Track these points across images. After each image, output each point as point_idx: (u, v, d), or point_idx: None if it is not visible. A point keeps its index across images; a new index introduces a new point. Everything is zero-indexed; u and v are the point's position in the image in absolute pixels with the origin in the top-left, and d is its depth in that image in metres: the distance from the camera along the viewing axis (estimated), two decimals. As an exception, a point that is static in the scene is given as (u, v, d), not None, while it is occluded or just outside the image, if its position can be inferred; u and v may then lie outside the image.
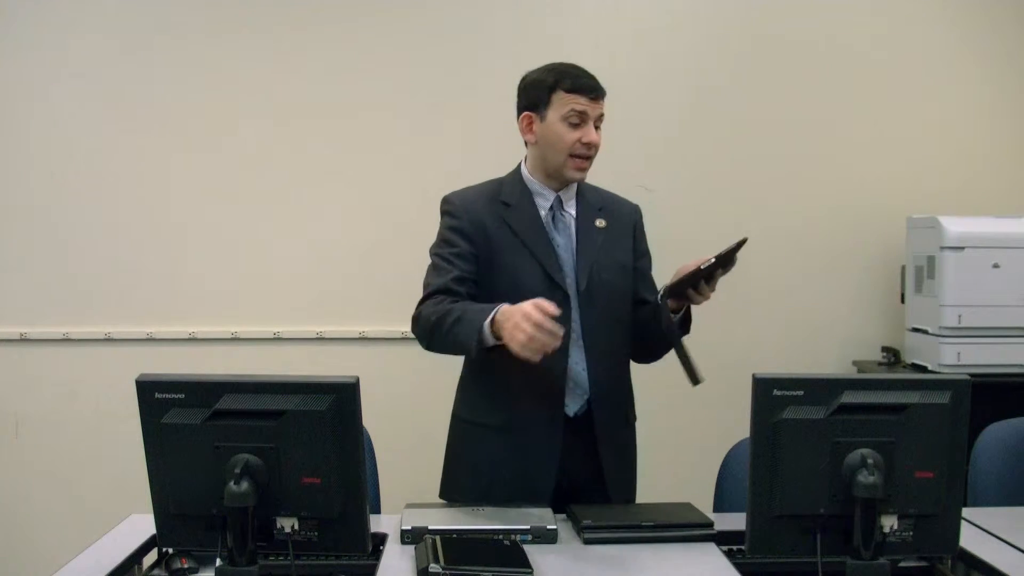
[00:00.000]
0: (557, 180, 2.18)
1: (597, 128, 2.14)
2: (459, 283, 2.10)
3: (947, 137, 3.79)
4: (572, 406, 2.14)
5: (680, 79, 3.71)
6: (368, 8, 3.61)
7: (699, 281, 2.02)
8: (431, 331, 2.04)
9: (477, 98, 3.59)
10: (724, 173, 3.73)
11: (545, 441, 2.12)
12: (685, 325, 2.17)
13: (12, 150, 3.57)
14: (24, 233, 3.57)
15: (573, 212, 2.20)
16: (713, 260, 1.99)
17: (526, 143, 2.21)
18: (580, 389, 2.14)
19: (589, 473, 2.16)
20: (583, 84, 2.11)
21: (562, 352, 2.04)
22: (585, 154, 2.13)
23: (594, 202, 2.24)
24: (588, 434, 2.15)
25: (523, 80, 2.20)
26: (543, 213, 2.18)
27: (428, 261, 2.18)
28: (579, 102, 2.10)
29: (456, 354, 2.11)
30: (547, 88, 2.13)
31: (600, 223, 2.20)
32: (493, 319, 1.91)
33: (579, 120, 2.11)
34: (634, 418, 2.29)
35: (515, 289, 2.06)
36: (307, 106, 3.60)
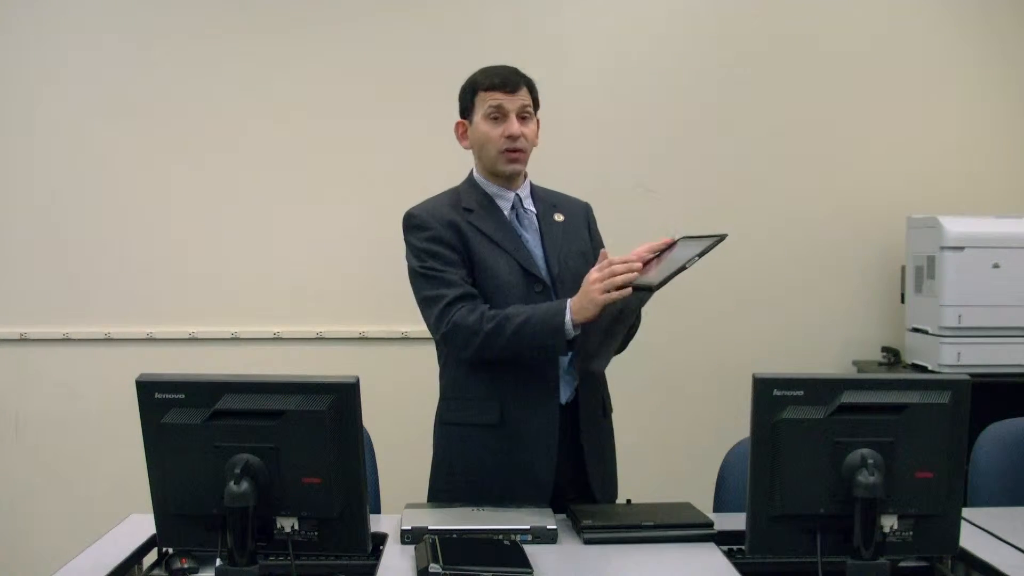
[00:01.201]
0: (502, 179, 2.22)
1: (525, 119, 2.18)
2: (471, 286, 2.14)
3: (947, 137, 3.79)
4: (563, 394, 2.16)
5: (681, 79, 3.71)
6: (369, 8, 3.61)
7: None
8: (488, 338, 2.05)
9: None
10: (724, 173, 3.72)
11: (542, 431, 2.13)
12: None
13: (12, 150, 3.57)
14: (24, 233, 3.57)
15: (533, 208, 2.26)
16: (697, 259, 1.92)
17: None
18: (569, 375, 2.16)
19: (572, 461, 2.17)
20: (497, 80, 2.18)
21: None
22: (512, 147, 2.17)
23: (547, 200, 2.31)
24: (573, 421, 2.17)
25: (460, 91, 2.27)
26: (506, 212, 2.23)
27: None
28: (495, 97, 2.17)
29: (518, 358, 2.09)
30: (470, 92, 2.22)
31: (558, 217, 2.27)
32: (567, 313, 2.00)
33: (499, 115, 2.17)
34: (610, 408, 2.31)
35: (494, 284, 2.13)
36: (308, 107, 3.60)
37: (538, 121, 2.26)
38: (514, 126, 2.16)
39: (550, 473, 2.13)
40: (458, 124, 2.26)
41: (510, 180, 2.23)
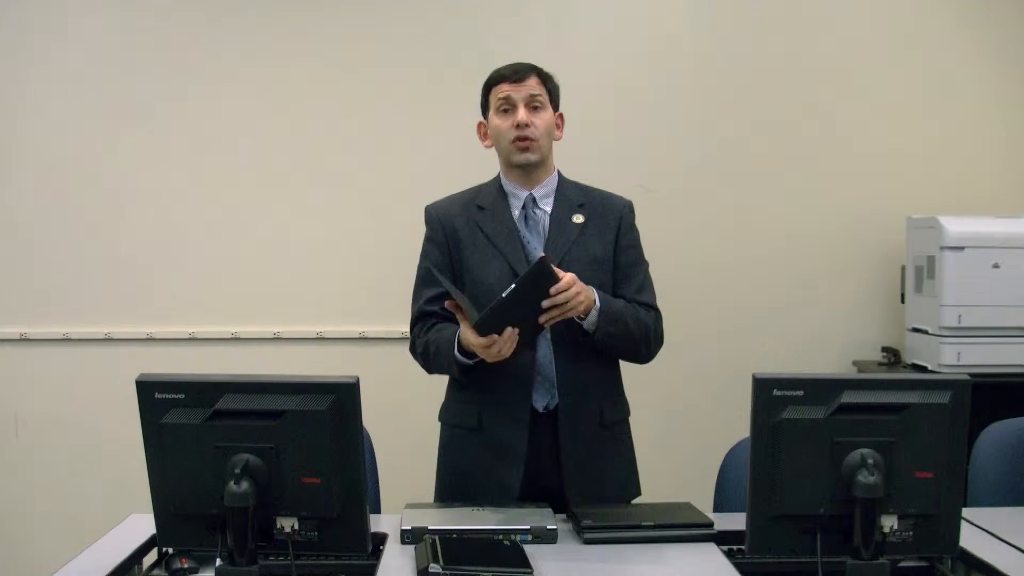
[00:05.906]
0: (520, 171, 2.21)
1: (536, 109, 2.18)
2: (431, 303, 2.19)
3: (947, 137, 3.79)
4: (540, 400, 2.14)
5: (681, 80, 3.71)
6: (368, 6, 3.61)
7: (515, 311, 1.95)
8: (426, 362, 2.20)
9: (479, 97, 3.58)
10: (724, 173, 3.72)
11: (513, 435, 2.13)
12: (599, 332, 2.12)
13: (11, 150, 3.57)
14: (24, 233, 3.57)
15: (548, 209, 2.22)
16: (514, 286, 1.92)
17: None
18: (548, 382, 2.14)
19: (552, 470, 2.14)
20: (503, 73, 2.20)
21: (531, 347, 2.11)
22: (521, 135, 2.17)
23: (574, 199, 2.24)
24: (554, 429, 2.15)
25: None
26: (516, 213, 2.21)
27: None
28: (503, 89, 2.19)
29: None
30: (485, 90, 2.25)
31: (578, 218, 2.21)
32: (460, 347, 2.06)
33: (508, 106, 2.18)
34: (615, 420, 2.24)
35: (481, 286, 2.13)
36: (307, 105, 3.60)
37: (561, 115, 2.25)
38: (521, 114, 2.16)
39: (516, 479, 2.12)
40: (479, 124, 2.27)
41: (528, 176, 2.21)
